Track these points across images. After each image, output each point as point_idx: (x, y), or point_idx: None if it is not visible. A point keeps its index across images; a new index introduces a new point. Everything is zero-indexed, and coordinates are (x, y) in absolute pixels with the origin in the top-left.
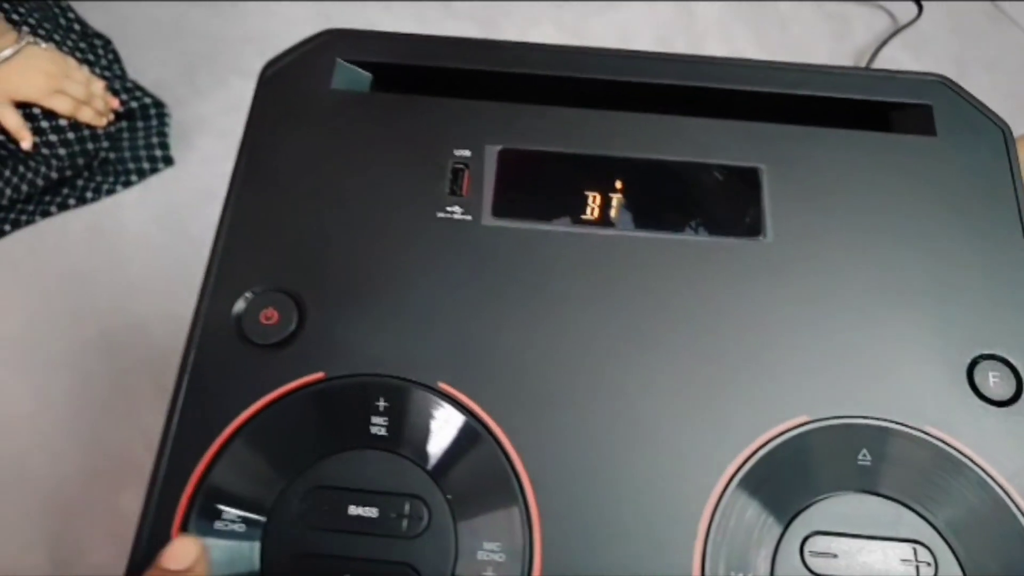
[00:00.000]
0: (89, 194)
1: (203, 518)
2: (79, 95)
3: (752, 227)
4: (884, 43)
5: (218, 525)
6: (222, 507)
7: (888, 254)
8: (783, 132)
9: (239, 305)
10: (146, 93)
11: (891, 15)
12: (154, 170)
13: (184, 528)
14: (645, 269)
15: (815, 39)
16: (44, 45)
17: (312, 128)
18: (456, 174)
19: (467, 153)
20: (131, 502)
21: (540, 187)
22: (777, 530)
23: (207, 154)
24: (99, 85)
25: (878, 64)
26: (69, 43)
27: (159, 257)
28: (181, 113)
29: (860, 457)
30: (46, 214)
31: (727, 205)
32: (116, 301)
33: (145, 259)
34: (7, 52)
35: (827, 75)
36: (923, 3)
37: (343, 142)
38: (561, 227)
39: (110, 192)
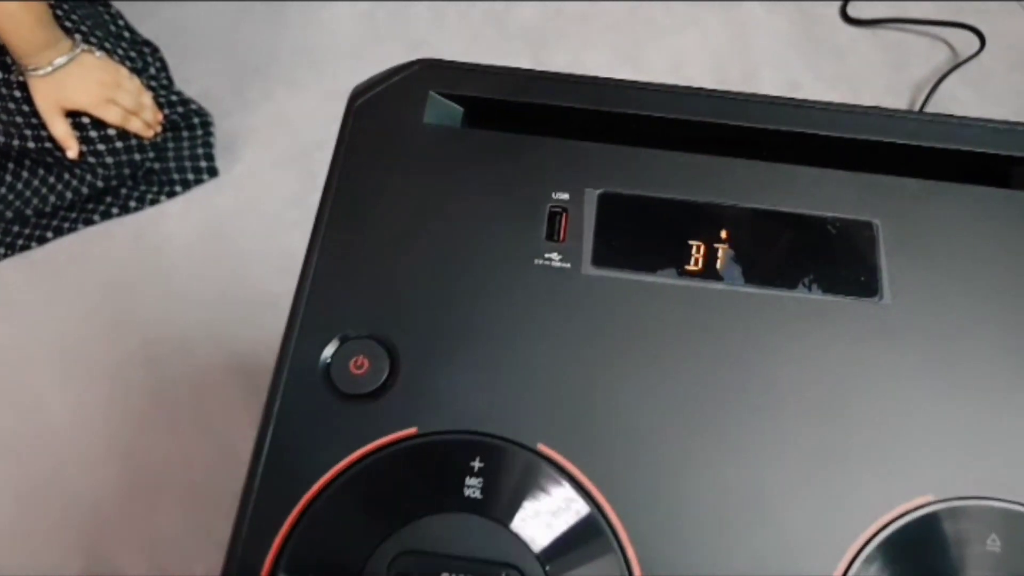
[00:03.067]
0: (133, 203)
1: None
2: (130, 105)
3: (868, 287)
4: (944, 76)
5: None
6: (307, 572)
7: (1014, 321)
8: (897, 185)
9: (328, 351)
10: (191, 103)
11: (951, 47)
12: (198, 181)
13: None
14: (756, 327)
15: (873, 70)
16: (98, 53)
17: (405, 164)
18: (553, 218)
19: (565, 196)
20: (167, 519)
21: (642, 234)
22: None
23: (252, 165)
24: (149, 97)
25: (937, 98)
26: (120, 51)
27: (202, 268)
28: (227, 124)
29: (989, 542)
30: (89, 222)
31: (840, 262)
32: (158, 312)
33: (188, 270)
34: (61, 60)
35: (943, 125)
36: (985, 36)
37: (437, 181)
38: (666, 279)
39: (154, 202)
